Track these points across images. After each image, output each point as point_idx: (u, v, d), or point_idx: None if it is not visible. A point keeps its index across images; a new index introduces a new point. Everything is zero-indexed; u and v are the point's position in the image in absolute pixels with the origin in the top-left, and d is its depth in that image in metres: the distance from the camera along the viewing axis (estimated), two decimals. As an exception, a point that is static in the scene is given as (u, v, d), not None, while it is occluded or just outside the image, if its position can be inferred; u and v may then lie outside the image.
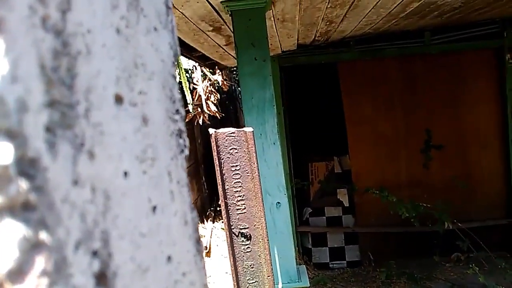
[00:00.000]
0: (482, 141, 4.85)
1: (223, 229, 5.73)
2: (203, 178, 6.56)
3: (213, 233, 5.71)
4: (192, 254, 0.37)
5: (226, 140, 2.01)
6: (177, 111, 0.37)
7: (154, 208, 0.31)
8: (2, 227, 0.18)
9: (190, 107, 5.32)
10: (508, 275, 3.77)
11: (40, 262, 0.19)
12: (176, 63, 0.38)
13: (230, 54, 4.33)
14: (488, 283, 3.74)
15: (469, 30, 4.49)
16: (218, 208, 6.34)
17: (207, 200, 6.70)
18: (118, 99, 0.28)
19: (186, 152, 0.38)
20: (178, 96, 0.38)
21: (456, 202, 4.52)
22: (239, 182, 2.05)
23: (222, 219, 5.51)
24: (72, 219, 0.21)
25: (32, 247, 0.19)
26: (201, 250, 0.39)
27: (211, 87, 5.76)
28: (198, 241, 0.39)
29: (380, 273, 4.50)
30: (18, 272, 0.19)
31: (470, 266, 3.75)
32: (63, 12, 0.23)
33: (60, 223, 0.20)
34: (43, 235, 0.19)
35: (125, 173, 0.28)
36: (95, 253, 0.23)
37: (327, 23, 3.46)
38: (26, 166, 0.19)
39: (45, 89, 0.21)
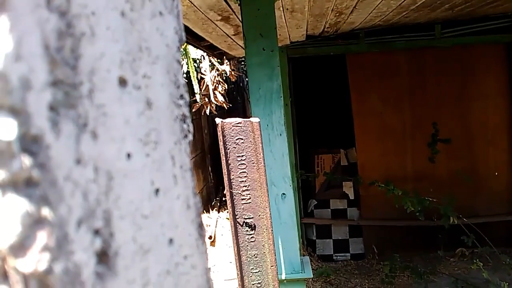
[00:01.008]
0: (489, 136, 4.81)
1: (228, 219, 5.77)
2: (209, 168, 6.58)
3: (218, 223, 5.74)
4: (194, 238, 0.37)
5: (233, 130, 2.01)
6: (181, 96, 0.38)
7: (157, 190, 0.31)
8: (5, 202, 0.19)
9: (197, 97, 5.32)
10: (512, 271, 3.76)
11: (42, 237, 0.19)
12: (181, 48, 0.38)
13: (238, 44, 4.32)
14: (492, 279, 3.73)
15: (480, 24, 4.43)
16: (223, 198, 6.37)
17: (213, 190, 6.72)
18: (122, 82, 0.28)
19: (190, 137, 0.39)
20: (182, 81, 0.38)
21: (462, 196, 4.50)
22: (245, 172, 2.05)
23: (227, 209, 5.53)
24: (74, 197, 0.22)
25: (34, 223, 0.19)
26: (203, 234, 0.40)
27: (219, 77, 5.75)
28: (200, 225, 0.39)
29: (384, 266, 4.51)
30: (20, 247, 0.19)
31: (474, 261, 3.74)
32: (68, -7, 0.23)
33: (63, 200, 0.21)
34: (45, 211, 0.20)
35: (128, 155, 0.28)
36: (97, 232, 0.23)
37: (337, 14, 3.43)
38: (29, 143, 0.19)
39: (49, 68, 0.21)
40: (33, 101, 0.20)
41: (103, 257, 0.24)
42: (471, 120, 4.81)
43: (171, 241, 0.33)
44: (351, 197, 5.11)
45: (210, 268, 0.40)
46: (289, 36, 4.25)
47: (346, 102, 4.96)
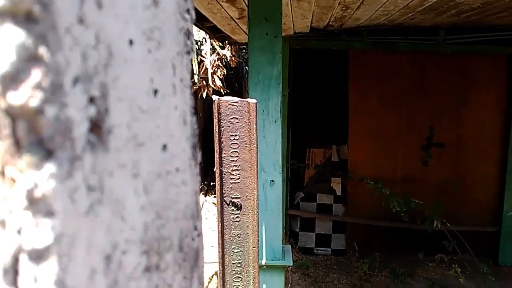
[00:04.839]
0: (481, 146, 4.85)
1: (214, 203, 5.76)
2: (200, 151, 6.56)
3: (204, 206, 5.75)
4: (188, 157, 0.36)
5: (229, 108, 2.00)
6: (188, 11, 0.37)
7: (155, 91, 0.30)
8: (2, 31, 0.18)
9: (195, 78, 5.29)
10: (489, 280, 3.80)
11: (37, 75, 0.18)
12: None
13: (242, 29, 4.29)
14: (468, 285, 3.78)
15: (484, 34, 4.44)
16: (211, 183, 6.36)
17: (202, 173, 6.72)
18: (132, -35, 0.27)
19: (192, 55, 0.38)
20: (190, -4, 0.37)
21: (448, 203, 4.54)
22: (236, 152, 2.05)
23: (214, 194, 5.53)
24: (73, 52, 0.21)
25: (30, 58, 0.18)
26: (196, 157, 0.39)
27: (219, 61, 5.72)
28: (195, 147, 0.38)
29: (363, 264, 4.54)
30: (14, 78, 0.18)
31: (453, 266, 3.78)
32: None
33: (61, 49, 0.20)
34: (43, 50, 0.19)
35: (130, 41, 0.27)
36: (92, 100, 0.22)
37: (343, 8, 3.42)
38: (33, -26, 0.18)
39: None
40: None
41: (96, 128, 0.23)
42: (465, 128, 4.84)
43: (164, 147, 0.32)
44: (338, 193, 5.13)
45: (199, 192, 0.40)
46: (293, 27, 4.23)
47: (344, 98, 4.96)
